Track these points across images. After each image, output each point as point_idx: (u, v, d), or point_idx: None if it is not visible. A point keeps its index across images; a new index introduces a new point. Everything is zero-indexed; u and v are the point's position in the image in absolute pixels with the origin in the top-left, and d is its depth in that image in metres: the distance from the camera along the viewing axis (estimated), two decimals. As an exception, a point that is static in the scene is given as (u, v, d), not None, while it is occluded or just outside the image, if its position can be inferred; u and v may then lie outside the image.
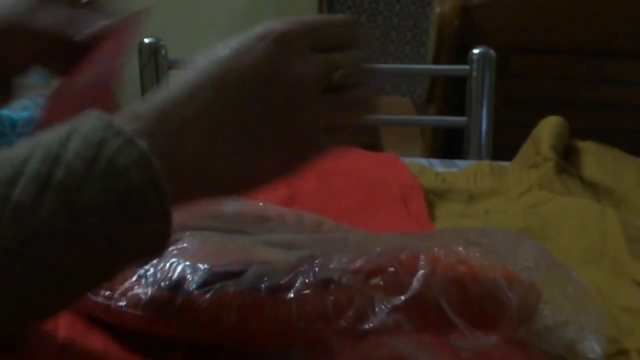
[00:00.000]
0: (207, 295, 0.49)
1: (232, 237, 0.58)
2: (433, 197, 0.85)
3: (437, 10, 1.57)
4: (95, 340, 0.53)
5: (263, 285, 0.49)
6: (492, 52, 1.29)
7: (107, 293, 0.52)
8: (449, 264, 0.49)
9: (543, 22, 1.60)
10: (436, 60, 1.59)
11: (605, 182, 0.85)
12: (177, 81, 0.48)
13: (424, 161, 1.01)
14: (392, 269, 0.48)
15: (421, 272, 0.48)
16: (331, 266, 0.49)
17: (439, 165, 1.00)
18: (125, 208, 0.43)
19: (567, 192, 0.84)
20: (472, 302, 0.48)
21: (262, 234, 0.61)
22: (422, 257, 0.49)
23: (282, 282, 0.49)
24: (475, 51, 1.30)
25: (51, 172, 0.42)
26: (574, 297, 0.53)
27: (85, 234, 0.43)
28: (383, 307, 0.46)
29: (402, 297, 0.46)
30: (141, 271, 0.52)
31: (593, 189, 0.85)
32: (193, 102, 0.46)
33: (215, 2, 3.11)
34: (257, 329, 0.48)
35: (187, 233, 0.56)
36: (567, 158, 0.89)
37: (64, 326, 0.54)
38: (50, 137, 0.44)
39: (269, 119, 0.47)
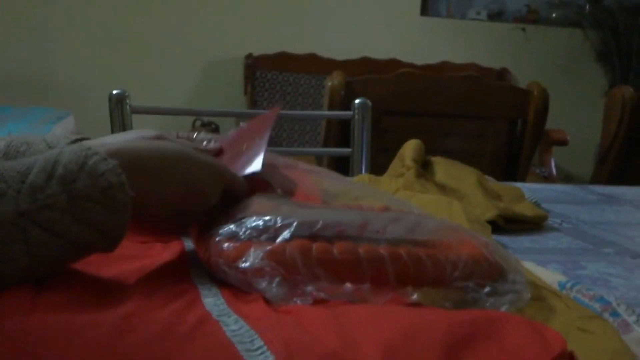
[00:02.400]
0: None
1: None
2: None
3: (329, 84, 1.57)
4: None
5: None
6: (368, 101, 1.28)
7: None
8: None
9: (403, 94, 1.61)
10: (328, 119, 1.58)
11: (451, 183, 0.84)
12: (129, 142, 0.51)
13: (321, 176, 0.98)
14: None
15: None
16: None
17: (332, 179, 0.96)
18: (103, 197, 0.43)
19: (425, 191, 0.82)
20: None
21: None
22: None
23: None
24: (357, 101, 1.29)
25: (54, 169, 0.43)
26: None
27: (77, 212, 0.43)
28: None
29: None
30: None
31: (442, 188, 0.84)
32: (143, 158, 0.49)
33: (171, 63, 3.00)
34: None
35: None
36: (424, 168, 0.88)
37: None
38: (45, 154, 0.44)
39: (176, 184, 0.51)
